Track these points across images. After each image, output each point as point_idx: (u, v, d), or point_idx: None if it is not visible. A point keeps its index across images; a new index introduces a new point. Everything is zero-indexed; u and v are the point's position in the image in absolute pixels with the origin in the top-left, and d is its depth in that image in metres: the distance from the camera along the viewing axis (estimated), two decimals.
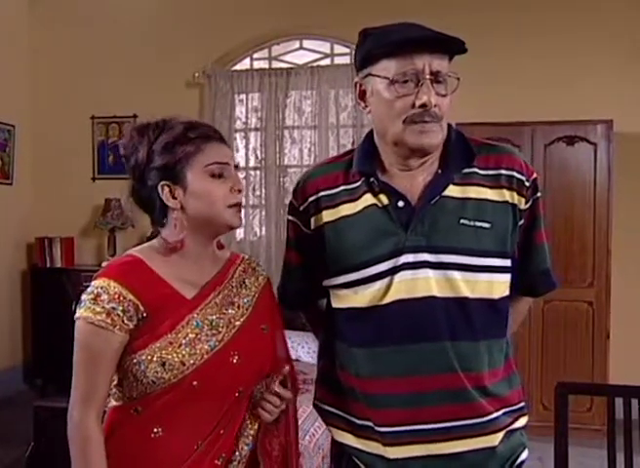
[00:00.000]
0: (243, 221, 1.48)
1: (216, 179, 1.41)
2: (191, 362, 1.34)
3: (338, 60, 5.03)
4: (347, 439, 1.48)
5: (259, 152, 5.07)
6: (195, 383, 1.35)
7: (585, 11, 4.50)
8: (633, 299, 4.41)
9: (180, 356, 1.34)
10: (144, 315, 1.36)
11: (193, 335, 1.37)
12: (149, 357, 1.33)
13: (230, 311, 1.44)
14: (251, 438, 1.45)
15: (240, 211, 1.44)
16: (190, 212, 1.41)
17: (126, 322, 1.34)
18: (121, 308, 1.34)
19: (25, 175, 5.35)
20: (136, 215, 1.52)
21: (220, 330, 1.40)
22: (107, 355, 1.34)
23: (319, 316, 1.62)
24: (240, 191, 1.43)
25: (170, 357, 1.33)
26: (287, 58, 5.16)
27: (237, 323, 1.43)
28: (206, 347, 1.37)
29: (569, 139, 4.10)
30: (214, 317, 1.41)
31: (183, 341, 1.35)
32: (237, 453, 1.42)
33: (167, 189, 1.41)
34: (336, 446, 1.55)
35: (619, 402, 1.90)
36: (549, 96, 4.41)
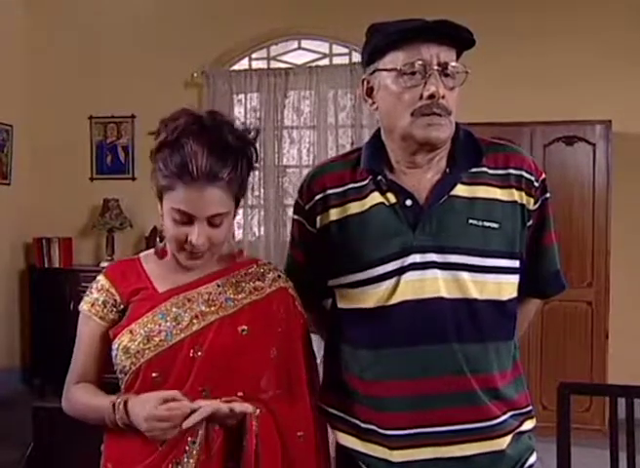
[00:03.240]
0: (198, 263, 1.41)
1: (177, 224, 1.36)
2: (146, 351, 1.37)
3: (336, 61, 5.03)
4: (352, 443, 1.46)
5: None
6: (155, 375, 1.36)
7: (584, 12, 4.50)
8: (632, 299, 4.41)
9: (136, 344, 1.37)
10: (122, 307, 1.45)
11: (155, 326, 1.38)
12: (117, 345, 1.40)
13: (203, 308, 1.41)
14: (199, 436, 1.34)
15: (199, 256, 1.39)
16: (163, 227, 1.43)
17: (106, 312, 1.45)
18: (102, 299, 1.46)
19: (23, 175, 5.34)
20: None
21: (184, 323, 1.39)
22: (87, 341, 1.46)
23: (324, 317, 1.60)
24: (194, 245, 1.35)
25: (130, 344, 1.38)
26: (285, 58, 5.16)
27: (206, 319, 1.39)
28: (162, 338, 1.37)
29: (568, 140, 4.11)
30: (180, 311, 1.40)
31: (143, 331, 1.38)
32: (185, 455, 1.34)
33: (155, 194, 1.42)
34: (340, 449, 1.52)
35: (620, 402, 1.90)
36: (548, 96, 4.41)
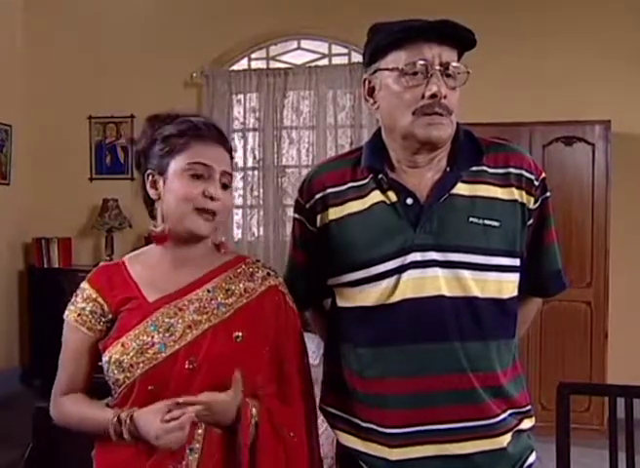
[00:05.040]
0: (208, 227, 1.38)
1: (194, 180, 1.36)
2: (140, 364, 1.34)
3: (335, 61, 5.03)
4: (353, 442, 1.46)
5: (256, 152, 5.06)
6: (151, 388, 1.34)
7: (584, 12, 4.50)
8: (631, 299, 4.41)
9: (129, 358, 1.34)
10: (110, 317, 1.41)
11: (147, 338, 1.35)
12: (108, 358, 1.37)
13: (195, 316, 1.38)
14: (198, 444, 1.34)
15: (210, 219, 1.37)
16: (164, 206, 1.40)
17: (94, 323, 1.42)
18: (89, 309, 1.42)
19: (23, 176, 5.34)
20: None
21: (177, 334, 1.36)
22: (75, 351, 1.43)
23: (324, 316, 1.60)
24: (212, 198, 1.36)
25: (122, 358, 1.35)
26: (285, 58, 5.16)
27: (199, 328, 1.37)
28: (156, 350, 1.34)
29: (567, 140, 4.11)
30: (172, 321, 1.37)
31: (135, 344, 1.35)
32: (184, 463, 1.33)
33: (150, 178, 1.42)
34: (341, 449, 1.52)
35: (619, 402, 1.90)
36: (548, 96, 4.42)
